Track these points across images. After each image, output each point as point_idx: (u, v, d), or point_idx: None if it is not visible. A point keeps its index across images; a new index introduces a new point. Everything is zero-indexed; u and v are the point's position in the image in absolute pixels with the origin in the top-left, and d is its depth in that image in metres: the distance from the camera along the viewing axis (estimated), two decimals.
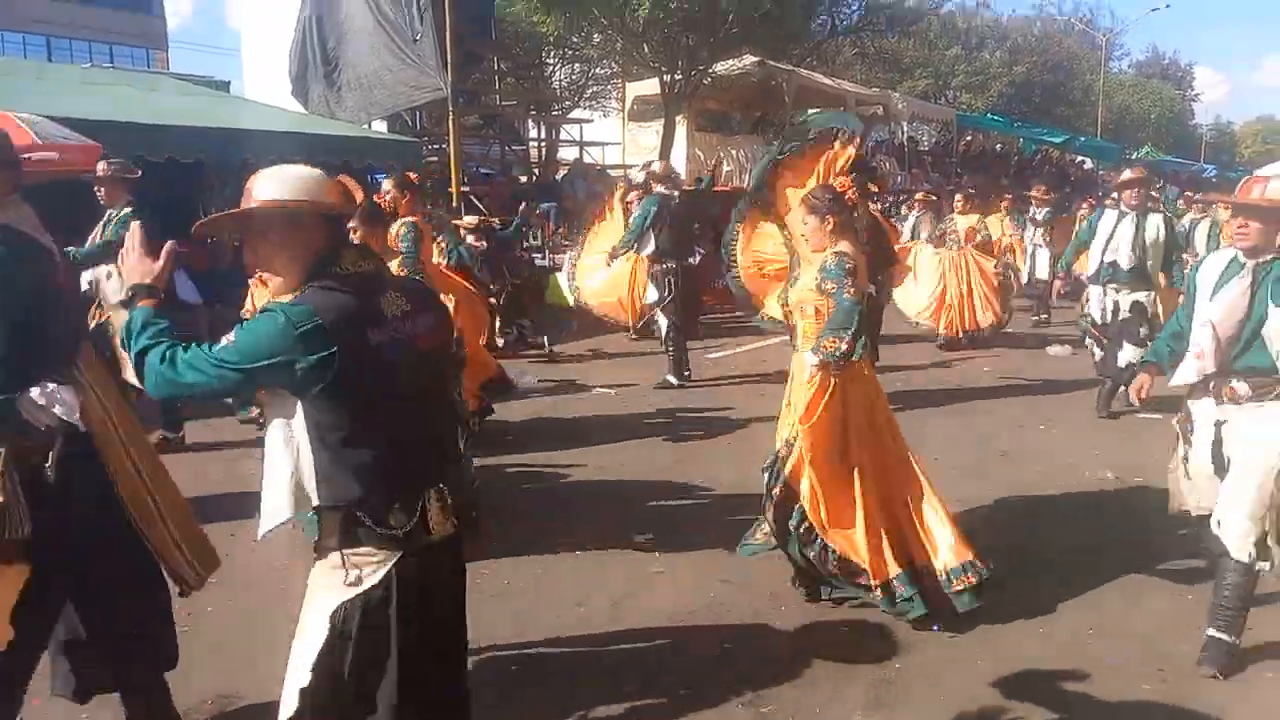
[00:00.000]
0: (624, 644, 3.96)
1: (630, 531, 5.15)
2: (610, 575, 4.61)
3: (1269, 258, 3.60)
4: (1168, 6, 39.67)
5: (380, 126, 15.20)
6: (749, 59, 18.54)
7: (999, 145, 30.88)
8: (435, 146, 15.90)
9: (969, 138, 29.44)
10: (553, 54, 20.74)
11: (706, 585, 4.47)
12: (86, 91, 11.39)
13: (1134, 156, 34.88)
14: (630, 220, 9.16)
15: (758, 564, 4.51)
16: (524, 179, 17.72)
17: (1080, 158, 31.46)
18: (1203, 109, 62.71)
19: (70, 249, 5.67)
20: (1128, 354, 7.35)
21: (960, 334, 10.93)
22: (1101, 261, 7.64)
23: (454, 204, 13.15)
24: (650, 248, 8.86)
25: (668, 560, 4.77)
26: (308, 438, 2.22)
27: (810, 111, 23.29)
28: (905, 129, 25.43)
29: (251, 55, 34.02)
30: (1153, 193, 10.11)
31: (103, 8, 44.07)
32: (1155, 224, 7.53)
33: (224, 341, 2.19)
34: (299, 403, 2.21)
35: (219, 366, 2.16)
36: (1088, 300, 8.00)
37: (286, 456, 2.25)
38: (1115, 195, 8.62)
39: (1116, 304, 7.57)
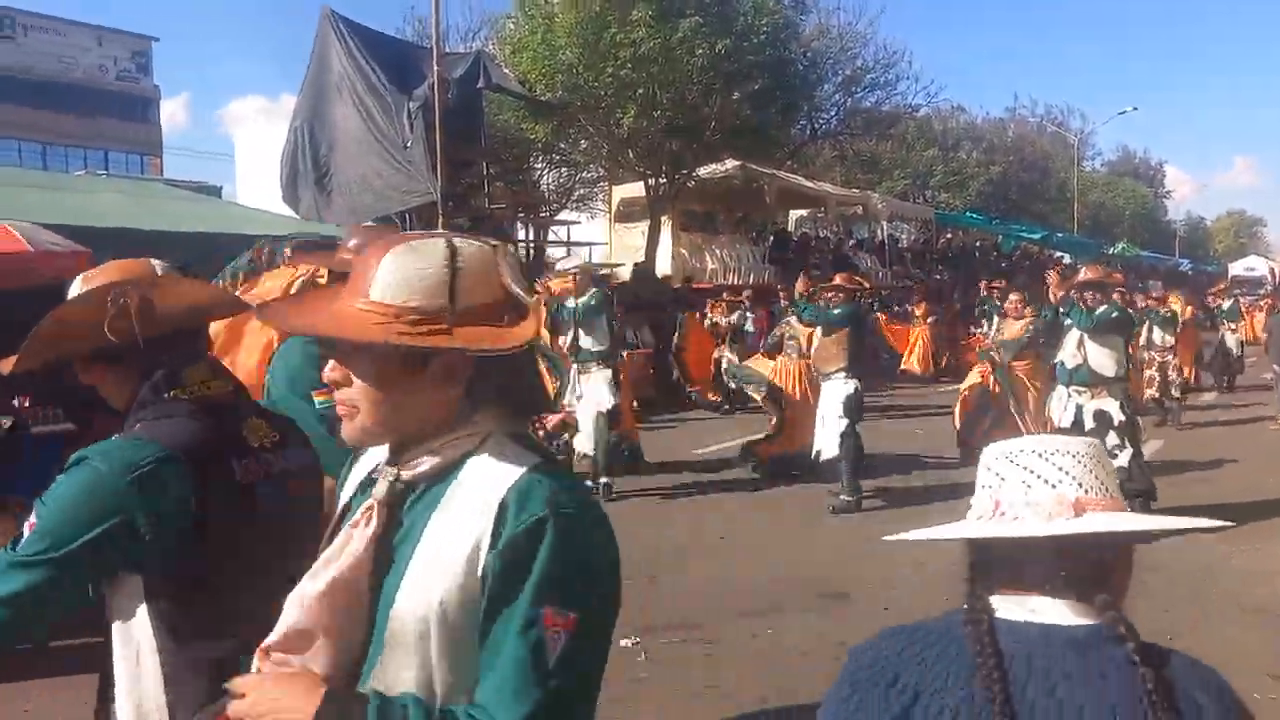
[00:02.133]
0: None
1: None
2: None
3: (417, 471, 1.34)
4: (1135, 109, 41.09)
5: None
6: (731, 163, 19.04)
7: (979, 242, 31.55)
8: None
9: (948, 235, 30.08)
10: (541, 159, 21.26)
11: None
12: (80, 198, 11.56)
13: (1111, 252, 35.72)
14: (580, 305, 8.42)
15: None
16: None
17: (1059, 253, 32.12)
18: (1175, 205, 64.41)
19: None
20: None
21: (768, 459, 9.08)
22: (1060, 361, 7.35)
23: None
24: (602, 345, 8.38)
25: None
26: (150, 633, 1.59)
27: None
28: (885, 228, 25.99)
29: (244, 161, 34.78)
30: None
31: (99, 117, 45.07)
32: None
33: (24, 530, 1.52)
34: (139, 585, 1.59)
35: (25, 567, 1.48)
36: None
37: (124, 667, 1.63)
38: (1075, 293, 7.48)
39: (1080, 408, 7.10)
